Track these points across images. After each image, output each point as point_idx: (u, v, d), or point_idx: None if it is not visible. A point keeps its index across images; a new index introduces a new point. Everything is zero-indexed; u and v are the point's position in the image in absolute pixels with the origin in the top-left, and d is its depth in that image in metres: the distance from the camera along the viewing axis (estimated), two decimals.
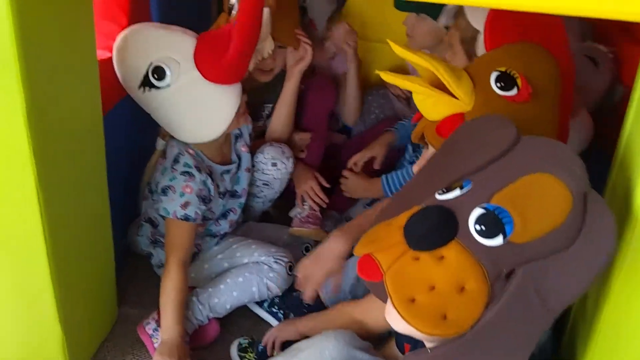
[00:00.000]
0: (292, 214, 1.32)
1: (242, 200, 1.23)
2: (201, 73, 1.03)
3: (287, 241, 1.24)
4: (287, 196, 1.34)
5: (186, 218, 1.07)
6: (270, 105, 1.36)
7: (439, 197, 0.67)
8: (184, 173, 1.08)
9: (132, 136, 1.18)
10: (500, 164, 0.66)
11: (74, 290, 0.97)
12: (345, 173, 1.34)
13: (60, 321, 0.94)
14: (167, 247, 1.10)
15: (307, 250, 1.25)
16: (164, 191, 1.08)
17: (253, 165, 1.25)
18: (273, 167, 1.24)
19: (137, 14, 1.17)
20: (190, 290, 1.11)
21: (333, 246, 1.01)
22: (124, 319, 1.13)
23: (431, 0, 0.69)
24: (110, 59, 1.08)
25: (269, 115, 1.35)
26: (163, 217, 1.11)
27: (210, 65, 1.02)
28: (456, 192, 0.67)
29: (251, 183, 1.25)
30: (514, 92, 0.77)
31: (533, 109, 0.78)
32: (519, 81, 0.76)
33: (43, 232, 0.84)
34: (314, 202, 1.30)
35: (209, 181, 1.11)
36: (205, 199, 1.10)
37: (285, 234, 1.28)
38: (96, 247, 1.04)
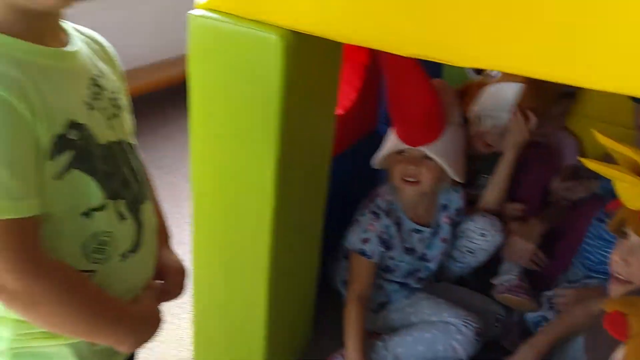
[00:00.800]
0: (497, 281, 1.32)
1: (431, 266, 1.27)
2: None
3: (478, 308, 1.25)
4: (487, 263, 1.35)
5: (362, 252, 1.17)
6: (486, 175, 1.39)
7: None
8: (372, 212, 1.20)
9: (349, 179, 1.32)
10: None
11: (281, 314, 1.10)
12: None
13: (265, 340, 1.07)
14: (348, 279, 1.20)
15: (498, 320, 1.24)
16: (353, 224, 1.21)
17: (454, 236, 1.28)
18: (481, 237, 1.27)
19: (371, 80, 1.33)
20: (378, 336, 1.18)
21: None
22: (316, 346, 1.24)
23: None
24: (342, 115, 1.24)
25: (484, 185, 1.38)
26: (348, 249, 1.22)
27: None
28: None
29: (455, 247, 1.30)
30: None
31: None
32: None
33: (269, 256, 0.99)
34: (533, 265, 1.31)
35: (393, 229, 1.20)
36: (385, 243, 1.19)
37: (478, 301, 1.29)
38: (304, 276, 1.17)
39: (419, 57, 0.71)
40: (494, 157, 1.35)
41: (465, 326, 1.14)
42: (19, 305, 0.61)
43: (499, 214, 1.32)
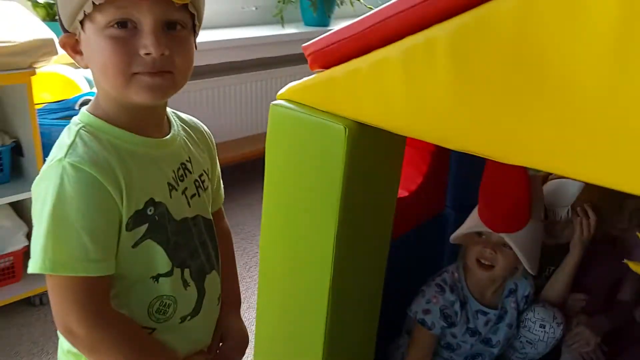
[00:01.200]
0: None
1: (495, 351, 1.27)
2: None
3: None
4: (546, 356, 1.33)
5: (423, 322, 1.20)
6: (553, 267, 1.39)
7: None
8: (438, 285, 1.24)
9: (413, 259, 1.37)
10: None
11: None
12: None
13: None
14: (407, 350, 1.23)
15: None
16: (419, 293, 1.25)
17: (518, 324, 1.29)
18: (541, 328, 1.27)
19: (437, 164, 1.40)
20: None
21: None
22: None
23: None
24: (405, 197, 1.31)
25: (548, 277, 1.38)
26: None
27: None
28: None
29: (515, 336, 1.30)
30: None
31: None
32: None
33: (325, 326, 1.04)
34: None
35: (458, 306, 1.22)
36: (447, 318, 1.21)
37: None
38: (362, 350, 1.21)
39: (477, 154, 0.79)
40: (560, 249, 1.36)
41: None
42: (83, 348, 0.71)
43: (561, 306, 1.31)
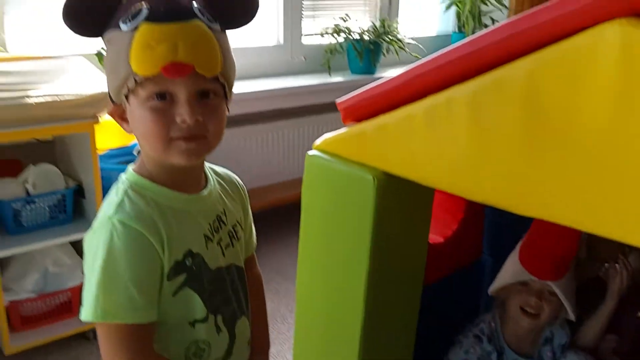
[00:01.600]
0: None
1: None
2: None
3: None
4: None
5: None
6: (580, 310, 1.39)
7: None
8: (475, 336, 1.26)
9: (448, 305, 1.39)
10: None
11: None
12: None
13: None
14: None
15: None
16: (456, 343, 1.27)
17: None
18: None
19: (472, 211, 1.43)
20: None
21: None
22: None
23: None
24: (440, 244, 1.35)
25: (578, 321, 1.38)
26: None
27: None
28: None
29: None
30: None
31: None
32: None
33: None
34: None
35: (495, 356, 1.23)
36: None
37: None
38: None
39: (494, 206, 0.83)
40: (586, 290, 1.36)
41: None
42: None
43: (593, 349, 1.30)
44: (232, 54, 0.82)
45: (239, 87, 2.57)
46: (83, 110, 1.64)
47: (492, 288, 1.28)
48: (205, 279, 0.81)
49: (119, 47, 0.72)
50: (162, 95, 0.73)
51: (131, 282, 0.73)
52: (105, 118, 1.79)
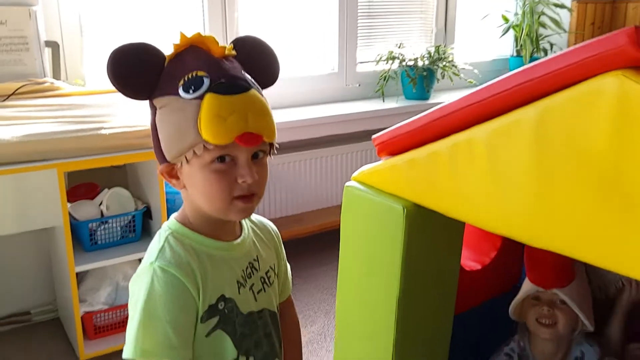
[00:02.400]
0: None
1: None
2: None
3: None
4: None
5: None
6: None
7: None
8: (506, 354, 1.31)
9: (487, 331, 1.43)
10: None
11: None
12: None
13: None
14: None
15: None
16: None
17: None
18: None
19: (510, 241, 1.47)
20: None
21: None
22: None
23: None
24: (477, 271, 1.40)
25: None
26: None
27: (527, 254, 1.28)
28: None
29: None
30: None
31: None
32: None
33: None
34: None
35: None
36: None
37: None
38: None
39: (510, 237, 0.90)
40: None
41: None
42: None
43: (621, 357, 1.33)
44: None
45: (295, 115, 2.71)
46: (150, 140, 1.80)
47: (511, 309, 1.33)
48: (236, 322, 0.87)
49: (184, 114, 0.77)
50: (223, 158, 0.79)
51: (168, 324, 0.79)
52: None
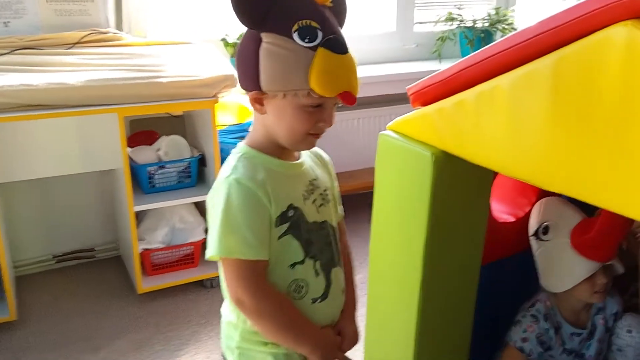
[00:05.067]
0: None
1: None
2: (571, 241, 1.28)
3: None
4: None
5: (522, 350, 1.32)
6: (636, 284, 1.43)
7: None
8: (533, 316, 1.34)
9: (517, 279, 1.47)
10: None
11: None
12: None
13: None
14: None
15: None
16: (515, 323, 1.36)
17: (610, 337, 1.37)
18: (628, 333, 1.34)
19: (545, 194, 1.48)
20: None
21: None
22: None
23: None
24: (510, 223, 1.43)
25: (635, 293, 1.42)
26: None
27: (578, 238, 1.26)
28: None
29: (608, 347, 1.38)
30: None
31: None
32: None
33: (414, 352, 1.19)
34: None
35: (552, 332, 1.32)
36: (543, 344, 1.31)
37: None
38: None
39: (526, 182, 0.93)
40: None
41: None
42: (250, 314, 0.96)
43: None
44: None
45: None
46: (204, 90, 1.91)
47: (564, 288, 1.31)
48: (303, 228, 0.98)
49: (296, 58, 0.87)
50: (317, 105, 0.92)
51: (246, 227, 0.91)
52: (225, 98, 2.06)
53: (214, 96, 1.95)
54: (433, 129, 1.09)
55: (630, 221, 1.23)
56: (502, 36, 3.01)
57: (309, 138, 0.96)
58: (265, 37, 0.89)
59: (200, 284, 2.22)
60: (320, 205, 1.04)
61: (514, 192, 1.48)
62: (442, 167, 1.09)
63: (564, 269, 1.31)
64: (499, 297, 1.41)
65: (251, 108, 0.98)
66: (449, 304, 1.24)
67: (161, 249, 2.16)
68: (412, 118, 1.15)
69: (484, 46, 0.98)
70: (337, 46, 0.89)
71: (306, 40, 0.87)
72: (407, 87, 1.17)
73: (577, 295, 1.32)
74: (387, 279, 1.27)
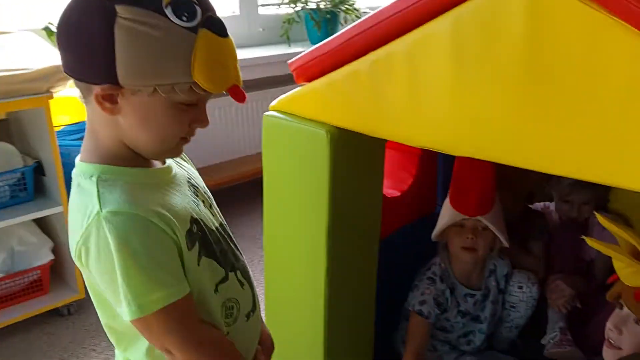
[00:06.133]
0: (544, 341, 1.43)
1: (483, 327, 1.40)
2: None
3: None
4: (536, 331, 1.44)
5: (420, 313, 1.32)
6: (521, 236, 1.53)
7: None
8: (429, 278, 1.36)
9: (408, 251, 1.45)
10: None
11: None
12: None
13: None
14: (406, 338, 1.33)
15: None
16: (413, 288, 1.37)
17: (503, 299, 1.42)
18: (519, 289, 1.41)
19: (425, 167, 1.49)
20: None
21: None
22: None
23: None
24: (396, 198, 1.41)
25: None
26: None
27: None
28: None
29: (502, 307, 1.43)
30: None
31: None
32: None
33: (325, 311, 1.13)
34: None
35: (448, 293, 1.35)
36: (440, 306, 1.34)
37: None
38: (361, 338, 1.27)
39: (430, 149, 0.89)
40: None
41: None
42: None
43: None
44: None
45: None
46: (35, 85, 1.62)
47: (434, 234, 1.39)
48: (211, 241, 0.80)
49: (171, 43, 0.67)
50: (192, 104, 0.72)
51: (156, 267, 0.70)
52: (60, 94, 1.79)
53: (48, 91, 1.67)
54: (324, 104, 1.01)
55: (490, 178, 1.27)
56: (345, 18, 3.04)
57: (180, 143, 0.75)
58: (123, 11, 0.65)
59: (56, 313, 1.93)
60: (210, 206, 0.86)
61: (395, 166, 1.46)
62: (338, 145, 1.02)
63: (441, 214, 1.37)
64: (395, 271, 1.39)
65: (89, 106, 0.73)
66: (354, 281, 1.20)
67: (1, 279, 1.83)
68: (300, 95, 1.05)
69: (330, 28, 0.91)
70: (220, 27, 0.70)
71: (184, 18, 0.67)
72: (289, 62, 1.07)
73: (452, 251, 1.36)
74: (286, 266, 1.19)
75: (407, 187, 1.45)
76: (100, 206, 0.69)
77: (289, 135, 1.07)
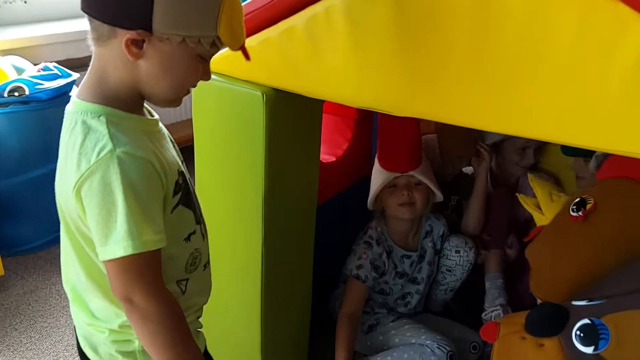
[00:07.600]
0: (485, 316, 1.43)
1: (420, 287, 1.42)
2: None
3: (455, 336, 1.36)
4: (473, 299, 1.47)
5: (357, 277, 1.33)
6: (456, 197, 1.58)
7: (573, 302, 0.78)
8: (366, 242, 1.37)
9: (345, 215, 1.47)
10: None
11: (275, 343, 1.21)
12: None
13: None
14: (342, 301, 1.34)
15: (475, 348, 1.34)
16: (350, 252, 1.38)
17: (439, 260, 1.45)
18: (456, 254, 1.44)
19: (361, 131, 1.49)
20: (362, 357, 1.30)
21: None
22: None
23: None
24: (332, 163, 1.40)
25: (455, 207, 1.56)
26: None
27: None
28: (583, 302, 0.77)
29: (438, 269, 1.46)
30: (579, 213, 0.85)
31: (587, 230, 0.85)
32: (588, 206, 0.85)
33: (260, 292, 1.12)
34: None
35: (385, 256, 1.37)
36: (377, 269, 1.35)
37: (457, 330, 1.39)
38: (298, 303, 1.27)
39: (371, 109, 0.88)
40: (457, 182, 1.58)
41: (439, 348, 1.25)
42: (137, 315, 0.76)
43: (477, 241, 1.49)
44: None
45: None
46: None
47: (369, 202, 1.39)
48: (190, 192, 0.84)
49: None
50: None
51: (154, 210, 0.74)
52: None
53: None
54: (259, 63, 0.96)
55: (415, 132, 1.30)
56: None
57: (185, 94, 0.80)
58: None
59: None
60: (182, 161, 0.88)
61: (330, 130, 1.45)
62: (275, 106, 0.99)
63: (372, 180, 1.38)
64: (331, 237, 1.39)
65: (106, 48, 0.73)
66: (292, 247, 1.19)
67: None
68: (232, 54, 0.99)
69: None
70: None
71: None
72: None
73: (390, 212, 1.37)
74: (223, 234, 1.14)
75: (342, 152, 1.44)
76: (113, 145, 0.71)
77: (221, 97, 1.03)
